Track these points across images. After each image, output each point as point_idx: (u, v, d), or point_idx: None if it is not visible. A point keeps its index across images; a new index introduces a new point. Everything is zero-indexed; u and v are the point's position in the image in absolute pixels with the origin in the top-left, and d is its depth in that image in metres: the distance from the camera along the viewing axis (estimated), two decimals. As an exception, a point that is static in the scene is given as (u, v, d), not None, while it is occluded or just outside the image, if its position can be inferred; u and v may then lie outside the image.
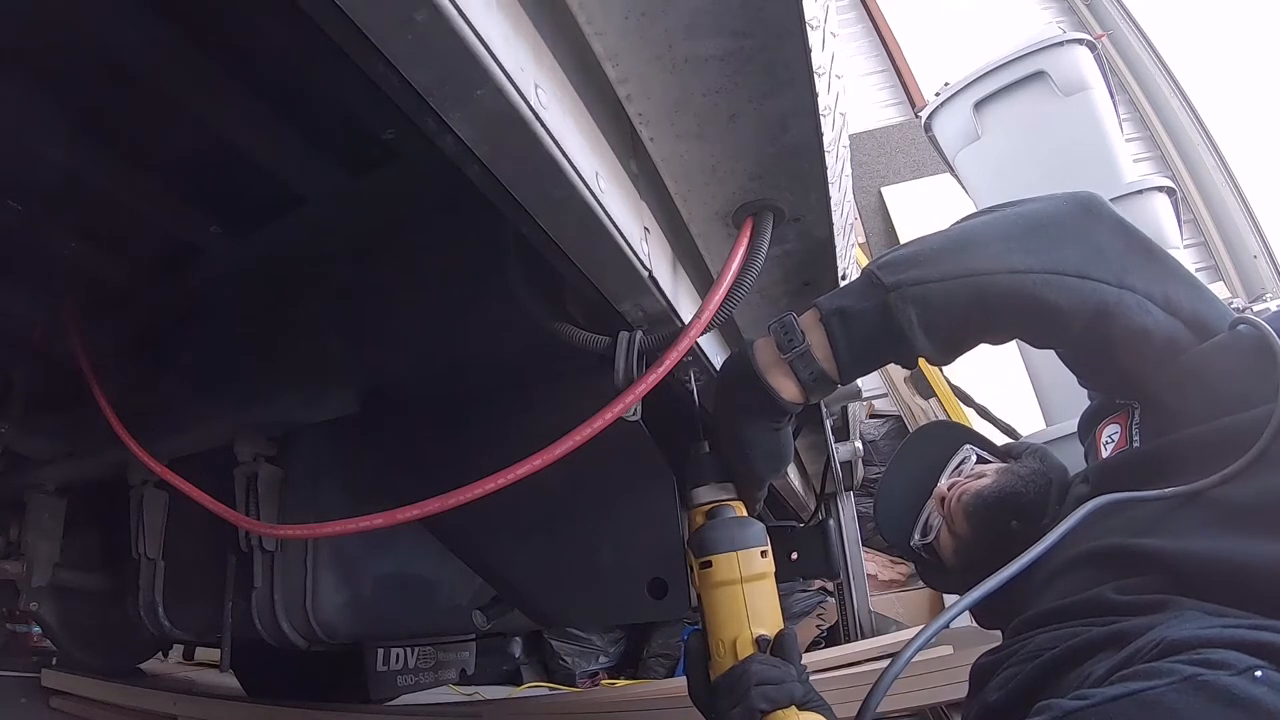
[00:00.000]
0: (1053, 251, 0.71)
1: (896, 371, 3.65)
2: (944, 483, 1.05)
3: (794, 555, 0.87)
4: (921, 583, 3.05)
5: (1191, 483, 0.69)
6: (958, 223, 0.80)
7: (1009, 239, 0.73)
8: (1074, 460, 1.00)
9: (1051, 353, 0.89)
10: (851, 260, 1.05)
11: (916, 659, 0.69)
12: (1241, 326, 0.72)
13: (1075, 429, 0.98)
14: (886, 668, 0.65)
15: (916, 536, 1.06)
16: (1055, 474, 0.97)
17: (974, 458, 1.06)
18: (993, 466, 1.03)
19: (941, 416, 3.51)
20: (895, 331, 0.70)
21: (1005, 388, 3.24)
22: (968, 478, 1.03)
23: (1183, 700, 0.48)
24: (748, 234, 0.75)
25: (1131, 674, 0.53)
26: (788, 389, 0.73)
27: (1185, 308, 0.73)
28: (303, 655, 1.36)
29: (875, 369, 0.77)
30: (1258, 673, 0.48)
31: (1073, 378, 0.92)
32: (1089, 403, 0.96)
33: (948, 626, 0.70)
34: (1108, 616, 0.65)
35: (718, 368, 0.96)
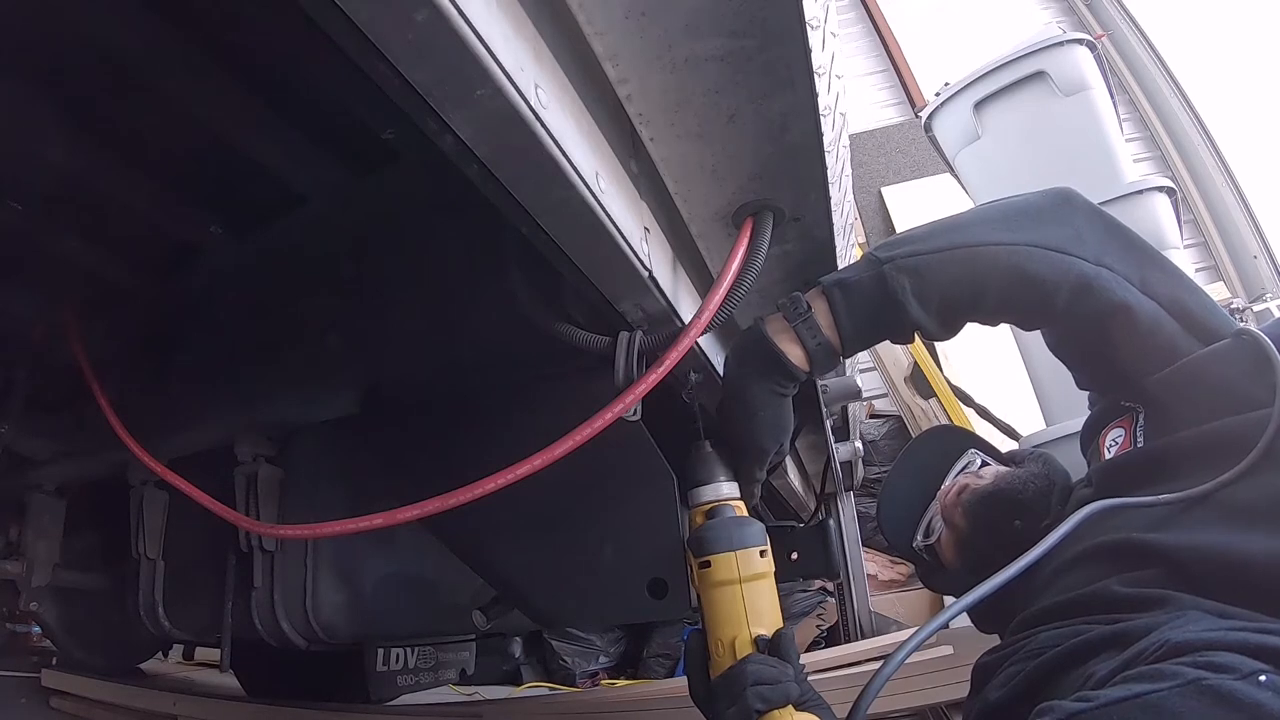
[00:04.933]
0: (1034, 230, 0.76)
1: (896, 371, 3.65)
2: (948, 484, 1.05)
3: (794, 555, 0.87)
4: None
5: (1190, 481, 0.70)
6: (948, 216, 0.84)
7: (994, 221, 0.78)
8: (1076, 460, 1.00)
9: (1051, 354, 0.90)
10: (851, 260, 1.06)
11: (917, 659, 0.69)
12: (1244, 336, 0.74)
13: (1075, 428, 0.99)
14: (879, 668, 0.65)
15: (919, 538, 1.07)
16: (1058, 477, 0.98)
17: (978, 461, 1.08)
18: (994, 469, 1.04)
19: (941, 417, 3.51)
20: (891, 299, 0.74)
21: (1005, 388, 3.24)
22: (969, 478, 1.03)
23: (1187, 704, 0.48)
24: (748, 234, 0.75)
25: (1135, 676, 0.53)
26: (794, 353, 0.76)
27: (1163, 292, 0.77)
28: (303, 655, 1.36)
29: (875, 340, 0.80)
30: (1261, 677, 0.48)
31: (1072, 378, 0.93)
32: (1089, 408, 0.96)
33: (946, 627, 0.70)
34: (1111, 614, 0.66)
35: (718, 368, 0.96)
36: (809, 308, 0.77)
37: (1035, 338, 0.89)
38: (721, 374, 0.90)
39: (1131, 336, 0.76)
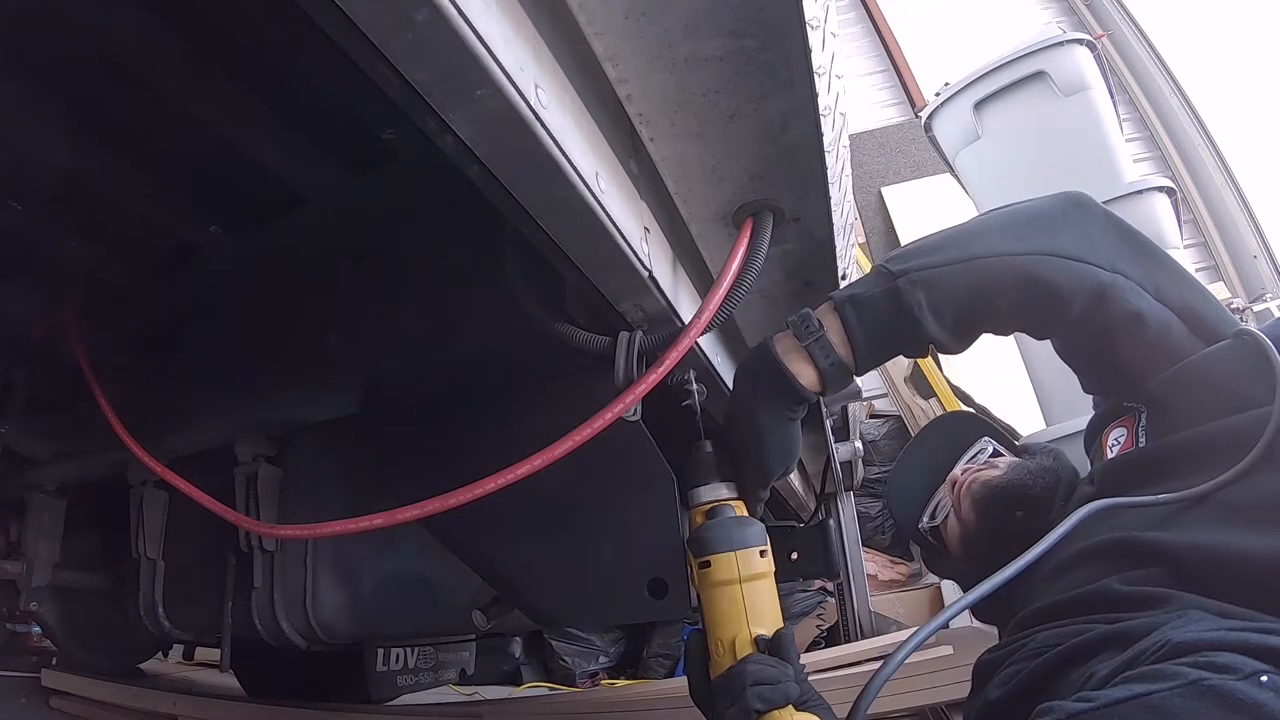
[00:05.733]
0: (1048, 237, 0.75)
1: (896, 372, 3.65)
2: (958, 469, 1.06)
3: (794, 555, 0.87)
4: (921, 581, 3.06)
5: (1191, 480, 0.70)
6: (958, 224, 0.83)
7: (1007, 229, 0.77)
8: (1078, 459, 1.01)
9: (1052, 353, 0.90)
10: (851, 260, 1.06)
11: (917, 659, 0.69)
12: (1244, 336, 0.74)
13: (1075, 429, 0.99)
14: (879, 668, 0.65)
15: (925, 519, 1.09)
16: (1065, 473, 0.98)
17: (990, 449, 1.08)
18: (1006, 460, 1.04)
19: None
20: (905, 314, 0.73)
21: (1005, 388, 3.24)
22: (980, 467, 1.04)
23: (1188, 704, 0.48)
24: (748, 234, 0.75)
25: (1136, 676, 0.53)
26: (806, 375, 0.75)
27: (1174, 297, 0.76)
28: (303, 655, 1.36)
29: (889, 356, 0.78)
30: (1263, 677, 0.48)
31: (1073, 378, 0.93)
32: (1092, 409, 0.97)
33: (946, 626, 0.70)
34: (1111, 612, 0.66)
35: (718, 368, 0.96)
36: (821, 325, 0.74)
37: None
38: (724, 380, 0.90)
39: (1140, 343, 0.76)
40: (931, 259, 0.74)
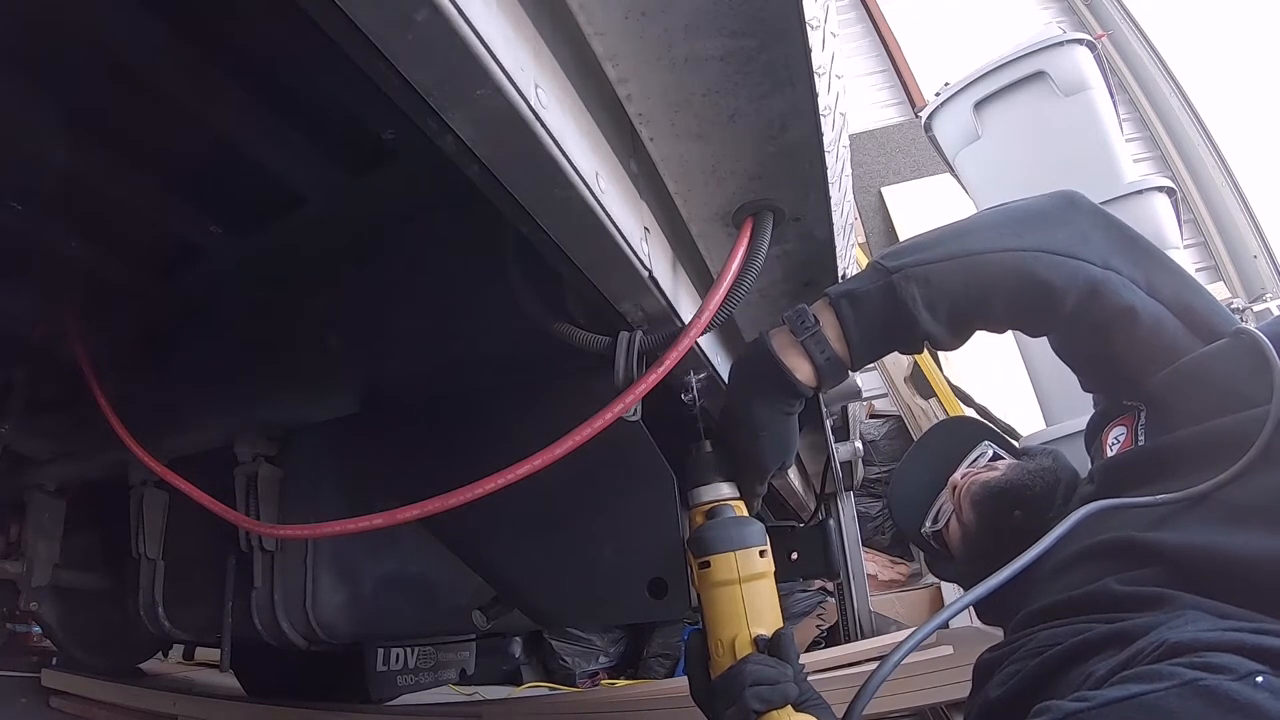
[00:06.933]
0: (1042, 234, 0.75)
1: (896, 371, 3.66)
2: (958, 474, 1.07)
3: (794, 555, 0.87)
4: (921, 581, 3.06)
5: (1190, 480, 0.70)
6: (953, 221, 0.83)
7: (1001, 225, 0.78)
8: (1078, 459, 1.01)
9: (1052, 353, 0.90)
10: (851, 260, 1.06)
11: (917, 659, 0.69)
12: (1242, 335, 0.74)
13: (1075, 429, 0.99)
14: (876, 668, 0.65)
15: (927, 524, 1.09)
16: (1065, 473, 0.98)
17: (990, 453, 1.09)
18: (1005, 462, 1.05)
19: (942, 416, 3.51)
20: (901, 309, 0.73)
21: (1005, 388, 3.24)
22: (980, 470, 1.04)
23: (1183, 704, 0.48)
24: (748, 234, 0.75)
25: (1133, 676, 0.53)
26: (802, 369, 0.75)
27: (1168, 293, 0.76)
28: (303, 655, 1.36)
29: (884, 351, 0.79)
30: (1259, 678, 0.48)
31: (1072, 378, 0.93)
32: (1092, 408, 0.97)
33: (945, 626, 0.70)
34: (1110, 612, 0.66)
35: (718, 368, 0.96)
36: (816, 321, 0.75)
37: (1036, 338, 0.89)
38: (724, 380, 0.90)
39: (1134, 339, 0.76)
40: (926, 255, 0.74)
